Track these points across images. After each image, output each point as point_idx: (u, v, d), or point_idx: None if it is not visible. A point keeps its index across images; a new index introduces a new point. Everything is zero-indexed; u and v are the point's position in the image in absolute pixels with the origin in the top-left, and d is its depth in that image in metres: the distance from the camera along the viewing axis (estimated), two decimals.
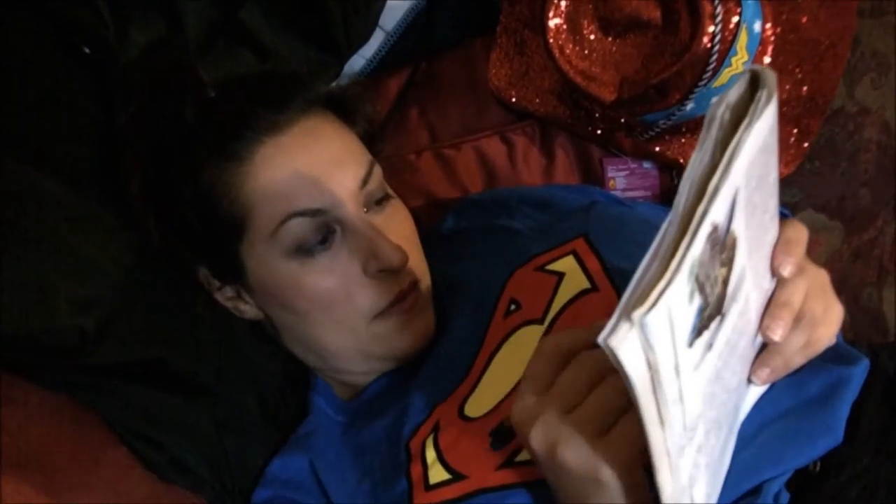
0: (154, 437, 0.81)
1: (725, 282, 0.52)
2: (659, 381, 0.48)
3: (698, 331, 0.51)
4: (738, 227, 0.52)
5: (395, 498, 0.78)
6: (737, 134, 0.50)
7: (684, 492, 0.55)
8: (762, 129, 0.51)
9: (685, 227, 0.48)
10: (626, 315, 0.45)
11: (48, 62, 0.91)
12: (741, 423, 0.68)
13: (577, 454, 0.58)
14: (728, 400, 0.61)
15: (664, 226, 0.49)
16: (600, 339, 0.46)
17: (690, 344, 0.50)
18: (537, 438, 0.60)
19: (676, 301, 0.47)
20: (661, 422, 0.49)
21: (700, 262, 0.48)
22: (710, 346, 0.52)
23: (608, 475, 0.57)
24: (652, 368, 0.47)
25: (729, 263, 0.52)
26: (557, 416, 0.59)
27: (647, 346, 0.46)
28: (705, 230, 0.48)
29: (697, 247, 0.47)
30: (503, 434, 0.74)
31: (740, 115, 0.52)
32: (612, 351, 0.45)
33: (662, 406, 0.49)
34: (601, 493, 0.59)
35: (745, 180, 0.51)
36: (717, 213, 0.48)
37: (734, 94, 0.52)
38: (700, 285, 0.49)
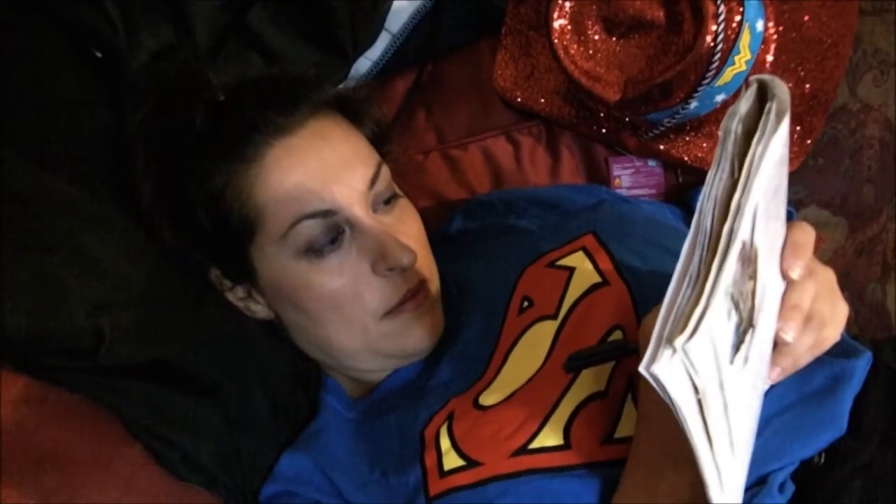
0: (167, 436, 0.82)
1: (753, 294, 0.53)
2: (706, 403, 0.48)
3: (737, 347, 0.51)
4: (758, 238, 0.52)
5: (410, 485, 0.79)
6: (751, 149, 0.50)
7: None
8: (778, 144, 0.51)
9: (715, 249, 0.48)
10: (668, 342, 0.46)
11: (60, 66, 0.92)
12: None
13: None
14: (759, 407, 0.62)
15: (686, 245, 0.50)
16: (641, 367, 0.46)
17: (732, 360, 0.51)
18: None
19: (716, 322, 0.47)
20: (710, 441, 0.50)
21: (734, 280, 0.49)
22: (746, 359, 0.53)
23: None
24: (700, 392, 0.48)
25: (754, 276, 0.53)
26: None
27: (693, 370, 0.47)
28: (736, 249, 0.48)
29: (730, 267, 0.48)
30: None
31: (750, 126, 0.52)
32: (656, 378, 0.46)
33: (710, 425, 0.49)
34: None
35: (762, 194, 0.51)
36: (744, 231, 0.49)
37: (744, 106, 0.53)
38: (735, 303, 0.50)
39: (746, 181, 0.49)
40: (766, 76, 0.53)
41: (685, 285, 0.49)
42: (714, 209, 0.50)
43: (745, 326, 0.52)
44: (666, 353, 0.46)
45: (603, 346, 0.80)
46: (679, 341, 0.45)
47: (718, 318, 0.48)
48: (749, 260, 0.51)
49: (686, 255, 0.50)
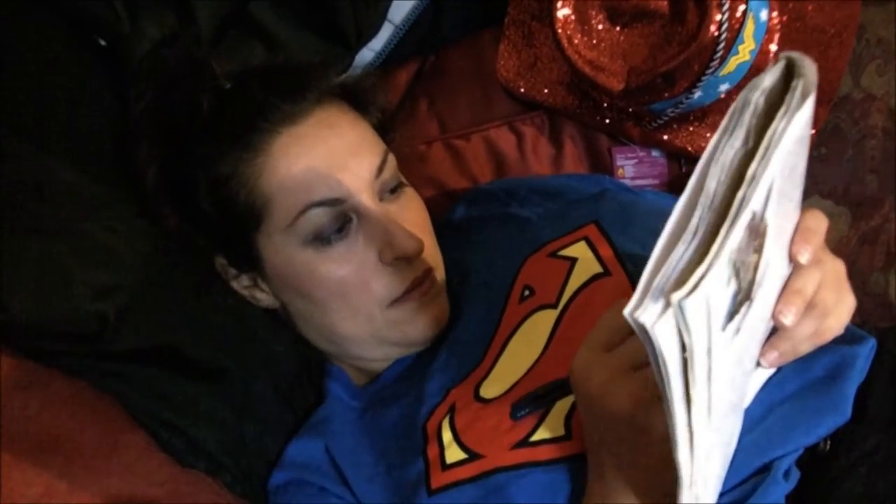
0: (172, 422, 0.82)
1: (756, 268, 0.52)
2: (692, 363, 0.48)
3: (731, 316, 0.51)
4: (770, 215, 0.52)
5: (412, 478, 0.79)
6: (774, 122, 0.50)
7: (700, 471, 0.55)
8: (801, 121, 0.51)
9: (724, 213, 0.48)
10: (662, 295, 0.46)
11: (63, 53, 0.93)
12: (750, 404, 0.68)
13: (625, 404, 0.59)
14: (744, 383, 0.62)
15: (683, 202, 0.50)
16: (626, 312, 0.46)
17: (724, 328, 0.51)
18: (594, 385, 0.62)
19: (715, 286, 0.47)
20: (688, 401, 0.50)
21: (738, 248, 0.49)
22: (737, 330, 0.53)
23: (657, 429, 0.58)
24: (687, 350, 0.48)
25: (760, 250, 0.52)
26: (617, 372, 0.60)
27: (685, 328, 0.47)
28: (746, 217, 0.48)
29: (738, 233, 0.48)
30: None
31: (773, 102, 0.51)
32: (641, 326, 0.46)
33: (692, 386, 0.49)
34: (646, 443, 0.60)
35: (780, 170, 0.51)
36: (756, 202, 0.49)
37: (769, 80, 0.52)
38: (736, 271, 0.50)
39: (766, 153, 0.49)
40: (795, 53, 0.53)
41: (681, 242, 0.48)
42: (721, 174, 0.50)
43: (742, 297, 0.52)
44: (656, 306, 0.46)
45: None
46: (677, 296, 0.45)
47: (718, 282, 0.48)
48: (757, 233, 0.51)
49: (681, 212, 0.49)
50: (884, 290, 1.08)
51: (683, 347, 0.48)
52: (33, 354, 0.80)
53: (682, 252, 0.48)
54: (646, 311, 0.46)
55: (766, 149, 0.49)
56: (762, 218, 0.51)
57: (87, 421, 0.80)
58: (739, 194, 0.48)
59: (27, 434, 0.76)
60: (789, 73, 0.53)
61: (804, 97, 0.51)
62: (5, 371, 0.77)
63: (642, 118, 1.11)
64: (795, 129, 0.50)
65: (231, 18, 1.05)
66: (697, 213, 0.49)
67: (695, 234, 0.49)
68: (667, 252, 0.48)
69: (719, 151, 0.50)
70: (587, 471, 0.73)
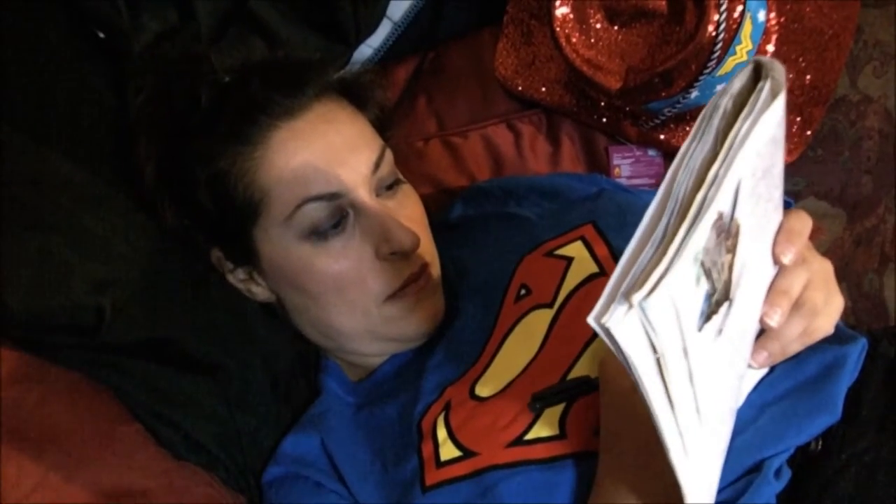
0: (167, 415, 0.82)
1: (730, 268, 0.52)
2: (665, 363, 0.48)
3: (707, 316, 0.51)
4: (742, 215, 0.52)
5: (407, 475, 0.79)
6: (737, 123, 0.50)
7: (700, 473, 0.56)
8: (770, 122, 0.51)
9: (684, 214, 0.48)
10: (625, 298, 0.46)
11: (63, 47, 0.93)
12: (741, 405, 0.69)
13: None
14: (738, 386, 0.62)
15: (653, 208, 0.49)
16: (590, 319, 0.46)
17: (700, 328, 0.51)
18: (625, 385, 0.62)
19: (680, 285, 0.47)
20: (671, 402, 0.50)
21: (706, 248, 0.48)
22: (720, 331, 0.53)
23: None
24: (657, 351, 0.47)
25: (733, 250, 0.52)
26: None
27: (650, 328, 0.46)
28: (711, 217, 0.48)
29: (702, 233, 0.48)
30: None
31: (742, 104, 0.51)
32: (607, 331, 0.46)
33: (671, 386, 0.49)
34: None
35: (750, 171, 0.51)
36: (721, 202, 0.49)
37: (737, 83, 0.52)
38: (707, 271, 0.49)
39: (727, 153, 0.49)
40: (764, 58, 0.53)
41: (648, 247, 0.48)
42: (689, 179, 0.50)
43: (718, 297, 0.52)
44: (621, 309, 0.46)
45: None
46: (636, 297, 0.45)
47: (683, 281, 0.48)
48: (728, 233, 0.51)
49: (651, 218, 0.49)
50: (878, 291, 1.09)
51: (654, 348, 0.47)
52: (31, 347, 0.80)
53: (649, 257, 0.48)
54: (612, 317, 0.46)
55: (729, 150, 0.49)
56: (732, 217, 0.51)
57: (83, 413, 0.80)
58: (699, 195, 0.48)
59: (24, 426, 0.76)
60: (757, 77, 0.53)
61: (773, 97, 0.51)
62: (3, 364, 0.77)
63: (639, 117, 1.11)
64: (764, 130, 0.50)
65: (231, 15, 1.05)
66: (664, 219, 0.49)
67: (662, 239, 0.49)
68: (634, 258, 0.48)
69: (688, 157, 0.50)
70: (583, 469, 0.73)
